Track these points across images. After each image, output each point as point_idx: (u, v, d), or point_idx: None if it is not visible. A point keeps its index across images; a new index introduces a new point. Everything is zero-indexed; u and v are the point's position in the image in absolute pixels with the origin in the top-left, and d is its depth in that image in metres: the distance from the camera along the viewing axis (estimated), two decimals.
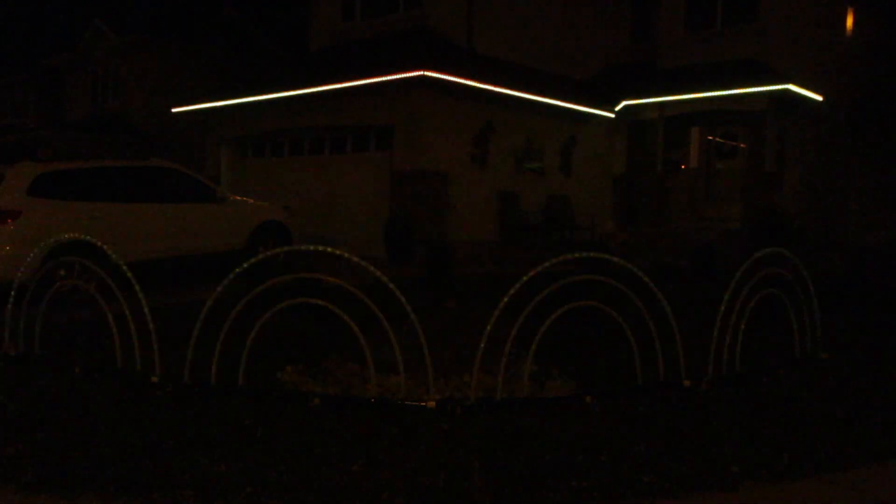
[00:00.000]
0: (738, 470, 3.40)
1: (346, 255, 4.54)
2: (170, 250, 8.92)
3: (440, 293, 7.61)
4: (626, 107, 16.31)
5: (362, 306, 4.50)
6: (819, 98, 15.20)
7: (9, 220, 7.58)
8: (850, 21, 16.62)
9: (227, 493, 3.10)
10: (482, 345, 4.39)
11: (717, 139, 17.36)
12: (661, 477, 3.30)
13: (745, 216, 15.19)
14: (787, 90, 14.34)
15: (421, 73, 12.00)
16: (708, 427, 3.99)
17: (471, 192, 13.53)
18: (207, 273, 8.36)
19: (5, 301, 5.58)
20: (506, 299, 4.45)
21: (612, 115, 16.42)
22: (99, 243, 5.20)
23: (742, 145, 16.63)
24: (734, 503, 3.14)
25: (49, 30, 29.82)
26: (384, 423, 3.97)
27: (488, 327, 4.42)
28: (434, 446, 3.64)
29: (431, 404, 4.16)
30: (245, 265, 4.72)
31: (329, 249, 4.56)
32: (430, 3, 15.11)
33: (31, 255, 5.82)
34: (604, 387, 4.67)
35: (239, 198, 10.54)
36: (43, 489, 3.14)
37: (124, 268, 4.97)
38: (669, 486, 3.22)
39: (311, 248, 4.69)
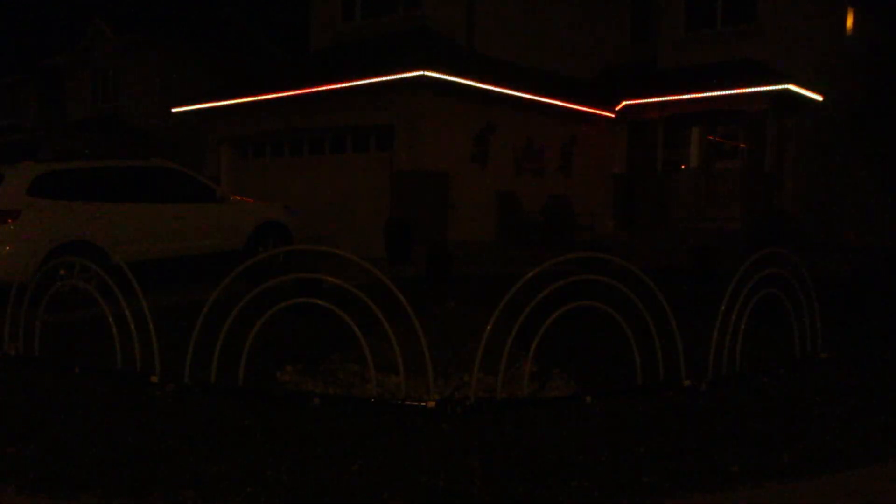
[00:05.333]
0: (738, 470, 3.40)
1: (346, 254, 4.54)
2: (170, 250, 8.92)
3: (440, 293, 7.61)
4: (626, 107, 16.31)
5: (362, 306, 4.50)
6: (819, 98, 15.20)
7: (9, 220, 7.58)
8: (850, 21, 16.62)
9: (227, 493, 3.10)
10: (482, 345, 4.39)
11: (717, 139, 17.37)
12: (661, 477, 3.30)
13: (745, 216, 15.18)
14: (787, 90, 14.34)
15: (421, 72, 11.99)
16: (708, 427, 3.99)
17: (471, 192, 13.52)
18: (207, 273, 8.36)
19: (5, 301, 5.58)
20: (506, 299, 4.45)
21: (612, 115, 16.42)
22: (99, 243, 5.20)
23: (742, 145, 16.63)
24: (734, 503, 3.14)
25: (49, 30, 29.82)
26: (384, 423, 3.97)
27: (488, 327, 4.42)
28: (434, 446, 3.64)
29: (431, 404, 4.16)
30: (245, 265, 4.72)
31: (329, 249, 4.56)
32: (429, 3, 15.10)
33: (31, 255, 5.81)
34: (604, 387, 4.67)
35: (239, 198, 10.54)
36: (43, 489, 3.14)
37: (124, 268, 4.97)
38: (669, 486, 3.22)
39: (312, 248, 4.70)
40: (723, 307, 4.95)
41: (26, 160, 8.28)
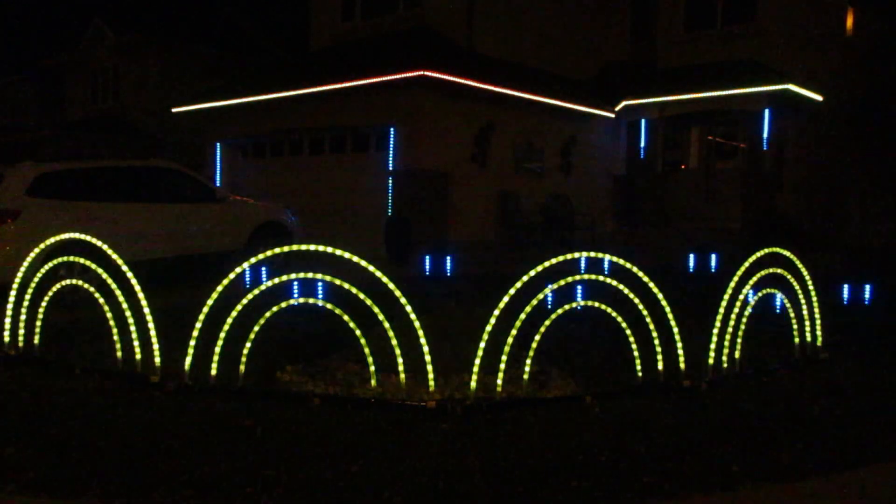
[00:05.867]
0: (738, 470, 3.40)
1: (346, 254, 4.54)
2: (170, 250, 8.92)
3: (440, 293, 7.61)
4: (626, 107, 16.31)
5: (362, 306, 4.50)
6: (819, 98, 15.19)
7: (9, 220, 7.58)
8: (850, 21, 16.62)
9: (227, 493, 3.10)
10: (482, 345, 4.39)
11: (717, 139, 17.36)
12: (661, 477, 3.30)
13: (745, 216, 15.18)
14: (787, 90, 14.34)
15: (421, 72, 11.99)
16: (708, 427, 3.99)
17: (471, 192, 13.52)
18: (207, 273, 8.36)
19: (5, 301, 5.58)
20: (506, 299, 4.45)
21: (612, 115, 16.42)
22: (99, 243, 5.20)
23: (742, 145, 16.63)
24: (734, 503, 3.14)
25: (49, 30, 29.86)
26: (384, 423, 3.97)
27: (488, 327, 4.42)
28: (434, 446, 3.64)
29: (431, 404, 4.16)
30: (245, 265, 4.72)
31: (329, 249, 4.56)
32: (429, 3, 15.10)
33: (31, 255, 5.81)
34: (604, 387, 4.67)
35: (239, 198, 10.54)
36: (43, 489, 3.14)
37: (124, 268, 4.97)
38: (669, 486, 3.22)
39: (311, 247, 4.70)
40: (723, 307, 4.95)
41: (26, 160, 8.27)
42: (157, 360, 4.76)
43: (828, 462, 3.53)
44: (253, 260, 4.71)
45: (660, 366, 4.71)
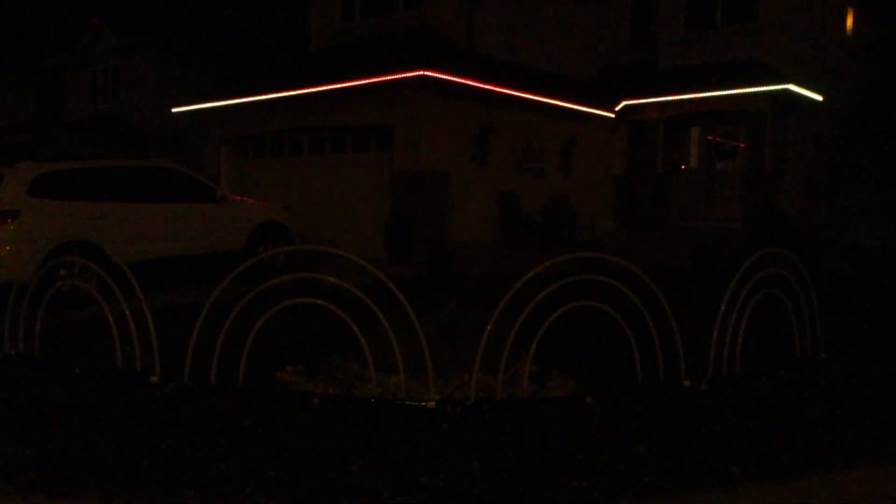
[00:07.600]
0: (738, 470, 3.40)
1: (346, 254, 4.54)
2: (170, 250, 8.92)
3: (440, 293, 7.61)
4: (626, 107, 16.30)
5: (362, 306, 4.50)
6: (819, 98, 15.19)
7: (9, 220, 7.58)
8: (850, 21, 16.63)
9: (227, 493, 3.10)
10: (482, 345, 4.39)
11: (717, 139, 17.35)
12: (661, 477, 3.30)
13: (745, 216, 15.18)
14: (787, 90, 14.34)
15: (421, 72, 11.99)
16: (708, 427, 3.99)
17: (471, 192, 13.52)
18: (207, 273, 8.36)
19: (5, 301, 5.58)
20: (506, 299, 4.45)
21: (612, 115, 16.42)
22: (99, 243, 5.20)
23: (742, 145, 16.62)
24: (734, 503, 3.14)
25: (49, 30, 29.85)
26: (384, 423, 3.97)
27: (488, 327, 4.42)
28: (434, 446, 3.65)
29: (431, 404, 4.16)
30: (245, 265, 4.72)
31: (329, 249, 4.56)
32: (429, 3, 15.10)
33: (31, 255, 5.81)
34: (604, 387, 4.67)
35: (239, 198, 10.54)
36: (43, 489, 3.14)
37: (124, 268, 4.97)
38: (669, 486, 3.22)
39: (311, 247, 4.70)
40: (722, 307, 4.95)
41: (26, 160, 8.27)
42: (157, 360, 4.76)
43: (827, 462, 3.53)
44: (253, 260, 4.71)
45: (660, 366, 4.71)
